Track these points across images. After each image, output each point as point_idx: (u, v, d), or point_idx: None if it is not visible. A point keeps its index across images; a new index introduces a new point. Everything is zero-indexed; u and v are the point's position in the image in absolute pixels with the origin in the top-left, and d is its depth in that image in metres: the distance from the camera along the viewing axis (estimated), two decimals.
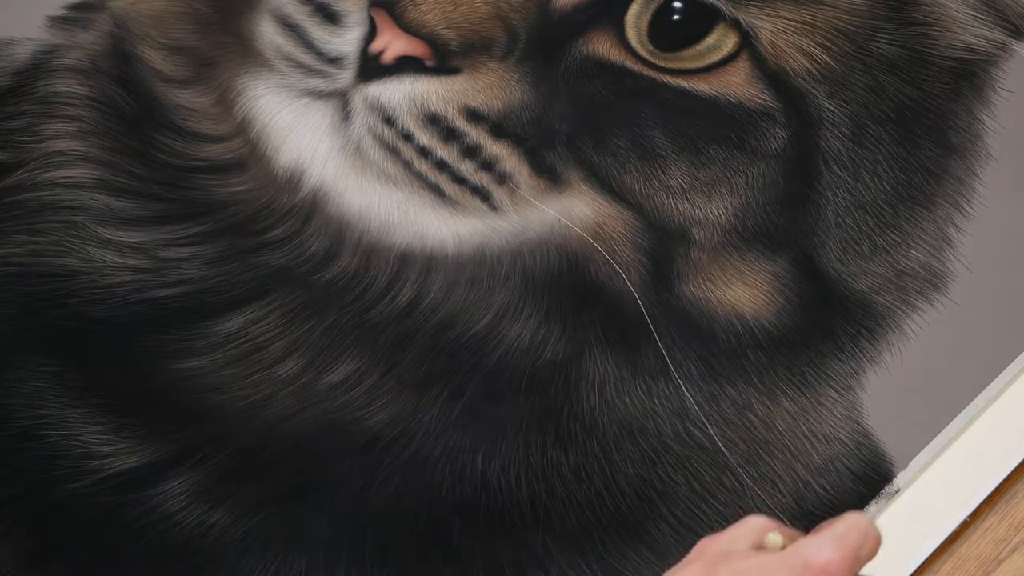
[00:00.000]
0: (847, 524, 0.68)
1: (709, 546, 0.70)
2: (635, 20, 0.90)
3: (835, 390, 0.91)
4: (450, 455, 0.87)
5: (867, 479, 0.89)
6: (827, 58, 0.91)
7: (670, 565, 0.86)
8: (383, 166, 0.90)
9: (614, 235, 0.91)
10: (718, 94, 0.91)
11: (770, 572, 0.66)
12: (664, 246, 0.91)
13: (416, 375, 0.88)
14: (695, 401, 0.89)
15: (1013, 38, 0.96)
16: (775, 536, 0.69)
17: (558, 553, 0.86)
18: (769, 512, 0.88)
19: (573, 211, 0.91)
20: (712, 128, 0.91)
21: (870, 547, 0.68)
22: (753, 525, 0.70)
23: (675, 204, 0.91)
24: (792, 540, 0.69)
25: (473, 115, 0.90)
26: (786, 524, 0.72)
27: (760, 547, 0.69)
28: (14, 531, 0.85)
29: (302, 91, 0.92)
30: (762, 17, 0.90)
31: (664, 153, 0.91)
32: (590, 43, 0.91)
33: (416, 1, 0.89)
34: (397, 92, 0.90)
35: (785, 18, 0.90)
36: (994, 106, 0.96)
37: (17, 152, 0.93)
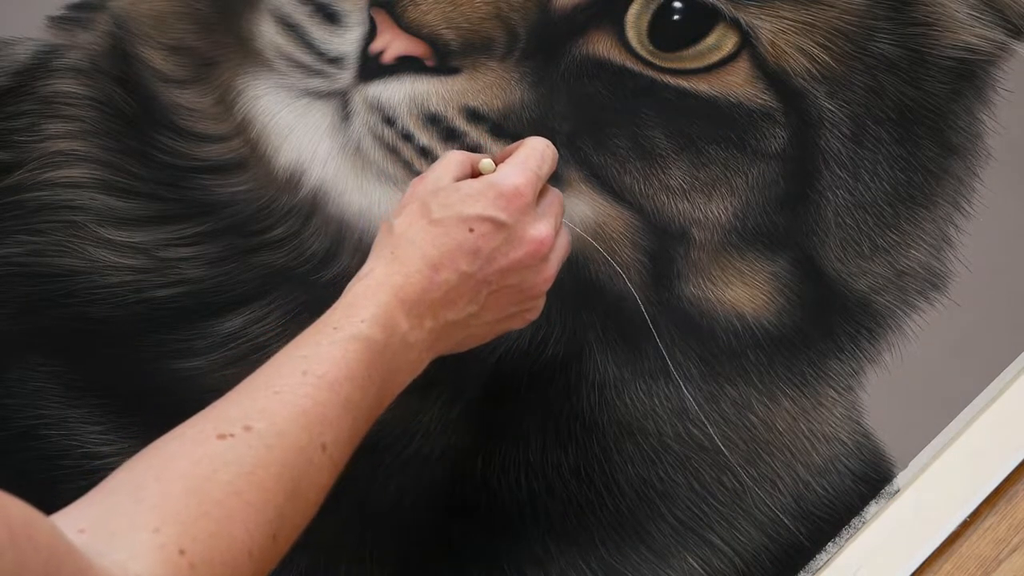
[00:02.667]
0: (526, 150, 0.81)
1: (418, 185, 0.80)
2: (635, 20, 0.90)
3: (835, 390, 0.91)
4: (450, 456, 0.87)
5: (867, 479, 0.89)
6: (827, 58, 0.91)
7: (670, 565, 0.86)
8: (383, 166, 0.90)
9: (614, 235, 0.91)
10: (718, 94, 0.91)
11: (472, 200, 0.77)
12: (664, 246, 0.91)
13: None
14: (695, 401, 0.89)
15: (1013, 38, 0.96)
16: (488, 162, 0.81)
17: (558, 553, 0.86)
18: (769, 512, 0.87)
19: (573, 211, 0.91)
20: (712, 128, 0.91)
21: (549, 164, 0.81)
22: (453, 159, 0.81)
23: (675, 204, 0.91)
24: (496, 162, 0.81)
25: (473, 115, 0.90)
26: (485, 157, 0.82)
27: (461, 179, 0.80)
28: None
29: (302, 91, 0.92)
30: (762, 17, 0.90)
31: (664, 153, 0.91)
32: (590, 43, 0.91)
33: (416, 1, 0.89)
34: (397, 92, 0.90)
35: (785, 18, 0.90)
36: (994, 106, 0.96)
37: (17, 152, 0.93)
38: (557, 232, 0.80)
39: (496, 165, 0.81)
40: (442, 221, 0.76)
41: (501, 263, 0.77)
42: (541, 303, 0.81)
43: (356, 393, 0.70)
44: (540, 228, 0.78)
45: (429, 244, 0.75)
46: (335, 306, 0.74)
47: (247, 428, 0.65)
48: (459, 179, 0.80)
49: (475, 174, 0.81)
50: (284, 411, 0.67)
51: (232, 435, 0.65)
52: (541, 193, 0.81)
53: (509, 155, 0.81)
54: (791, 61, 0.91)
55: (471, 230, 0.76)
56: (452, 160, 0.81)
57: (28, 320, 0.89)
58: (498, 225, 0.76)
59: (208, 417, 0.67)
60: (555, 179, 0.90)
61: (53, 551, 0.53)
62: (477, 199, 0.77)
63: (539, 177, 0.80)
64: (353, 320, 0.72)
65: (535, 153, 0.80)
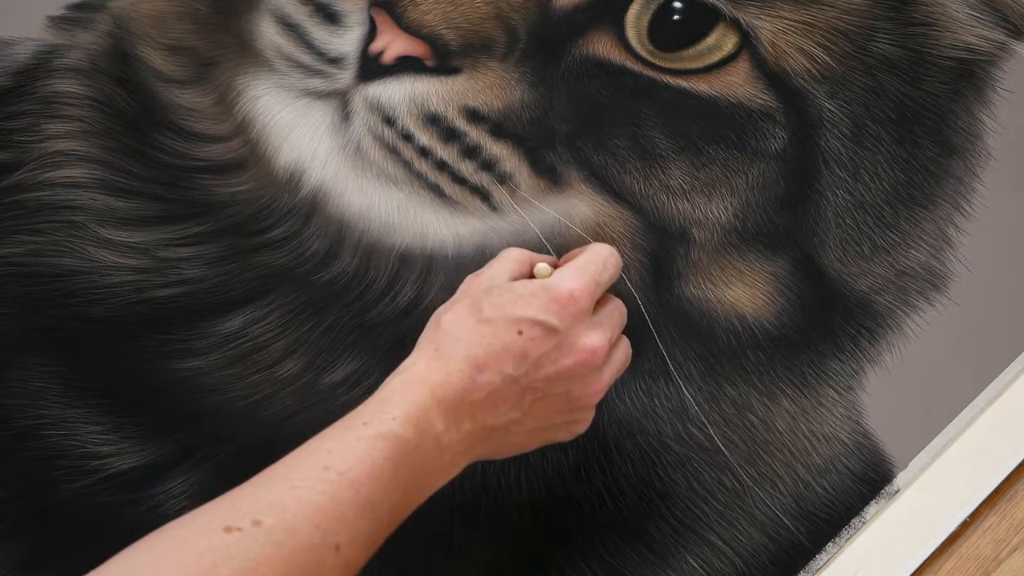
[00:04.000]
0: (587, 255, 0.79)
1: (473, 283, 0.79)
2: (635, 20, 0.90)
3: (835, 390, 0.91)
4: None
5: (867, 479, 0.89)
6: (827, 58, 0.91)
7: (670, 565, 0.86)
8: (383, 166, 0.90)
9: (614, 235, 0.91)
10: (718, 94, 0.91)
11: (524, 302, 0.75)
12: (664, 246, 0.91)
13: None
14: (695, 401, 0.89)
15: (1013, 38, 0.96)
16: (544, 266, 0.80)
17: (558, 553, 0.86)
18: (769, 512, 0.87)
19: (573, 211, 0.91)
20: (712, 128, 0.91)
21: (611, 272, 0.79)
22: (511, 257, 0.80)
23: (675, 204, 0.91)
24: (554, 268, 0.80)
25: (473, 115, 0.90)
26: (552, 255, 0.82)
27: (518, 279, 0.78)
28: (14, 531, 0.85)
29: (302, 91, 0.92)
30: (762, 17, 0.90)
31: (664, 153, 0.91)
32: (590, 43, 0.91)
33: (416, 1, 0.89)
34: (397, 92, 0.90)
35: (785, 18, 0.90)
36: (994, 106, 0.96)
37: (17, 152, 0.93)
38: (613, 344, 0.79)
39: (551, 270, 0.79)
40: (492, 320, 0.74)
41: (548, 370, 0.75)
42: (590, 416, 0.80)
43: (379, 494, 0.68)
44: (593, 337, 0.76)
45: (475, 343, 0.73)
46: (370, 399, 0.72)
47: (256, 522, 0.63)
48: (515, 278, 0.78)
49: (531, 276, 0.80)
50: (298, 507, 0.65)
51: (240, 528, 0.63)
52: (601, 302, 0.79)
53: (571, 259, 0.80)
54: (791, 61, 0.91)
55: (520, 332, 0.74)
56: (510, 258, 0.80)
57: (28, 320, 0.89)
58: (549, 330, 0.75)
59: (220, 507, 0.65)
60: (555, 179, 0.91)
61: None
62: (529, 301, 0.75)
63: (598, 284, 0.78)
64: (384, 416, 0.70)
65: (596, 259, 0.79)
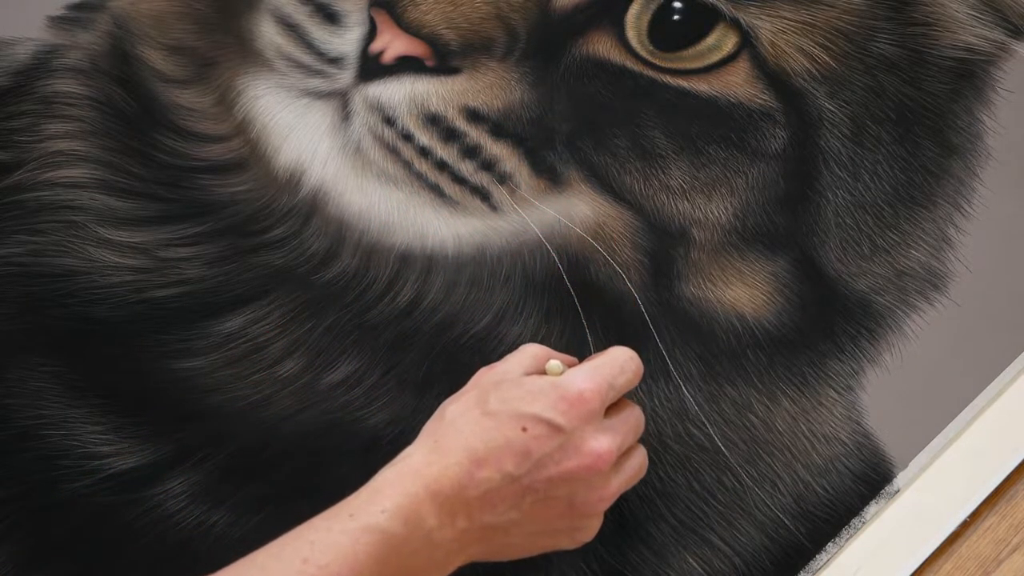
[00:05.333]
0: (605, 356, 0.77)
1: (484, 375, 0.76)
2: (635, 20, 0.90)
3: (835, 390, 0.91)
4: None
5: (867, 479, 0.89)
6: (827, 58, 0.91)
7: (670, 565, 0.86)
8: (383, 166, 0.90)
9: (614, 235, 0.91)
10: (718, 94, 0.91)
11: (531, 398, 0.72)
12: (664, 246, 0.91)
13: (416, 375, 0.88)
14: (695, 401, 0.89)
15: (1013, 38, 0.96)
16: (555, 364, 0.77)
17: (558, 554, 0.85)
18: (769, 512, 0.87)
19: (573, 211, 0.91)
20: (712, 128, 0.91)
21: (627, 377, 0.77)
22: (528, 353, 0.78)
23: (675, 204, 0.91)
24: (570, 366, 0.77)
25: (473, 115, 0.90)
26: (574, 357, 0.79)
27: (531, 374, 0.76)
28: (14, 531, 0.85)
29: (302, 91, 0.92)
30: (762, 17, 0.90)
31: (664, 153, 0.91)
32: (590, 43, 0.91)
33: (416, 1, 0.89)
34: (397, 92, 0.90)
35: (785, 18, 0.90)
36: (994, 106, 0.96)
37: (17, 152, 0.93)
38: (623, 450, 0.76)
39: (563, 368, 0.77)
40: (496, 414, 0.72)
41: (551, 471, 0.72)
42: (596, 524, 0.77)
43: None
44: (601, 441, 0.73)
45: (476, 436, 0.71)
46: (361, 489, 0.71)
47: None
48: (530, 374, 0.76)
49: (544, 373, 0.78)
50: None
51: None
52: (617, 407, 0.77)
53: (590, 360, 0.79)
54: (791, 61, 0.91)
55: (524, 429, 0.72)
56: (527, 353, 0.78)
57: (28, 320, 0.89)
58: (554, 429, 0.72)
59: None
60: (555, 179, 0.91)
61: None
62: (537, 397, 0.73)
63: (611, 387, 0.76)
64: (373, 508, 0.68)
65: (613, 362, 0.77)
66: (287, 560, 0.65)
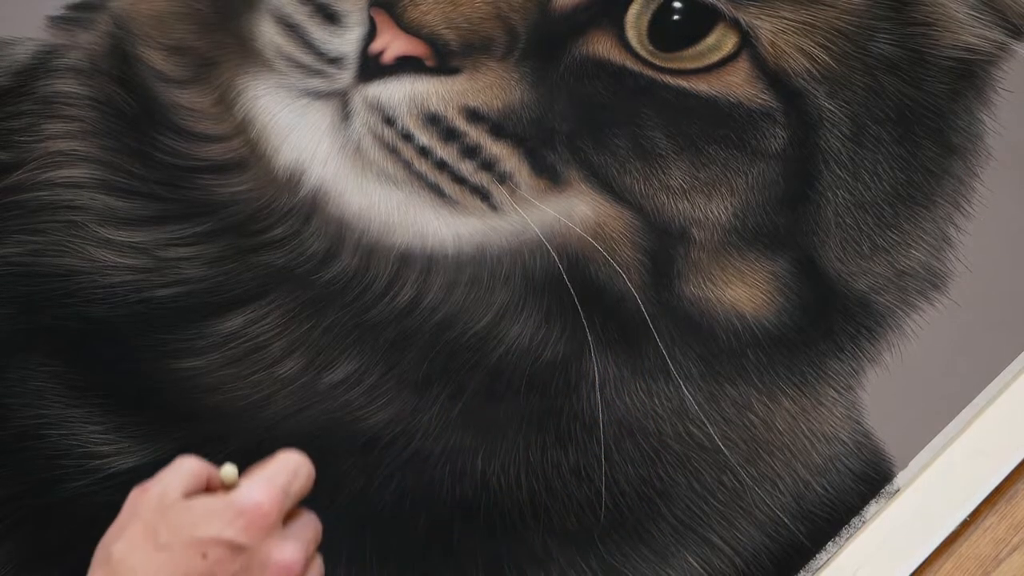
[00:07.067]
0: (276, 465, 0.72)
1: (141, 500, 0.71)
2: (635, 20, 0.90)
3: (835, 390, 0.91)
4: (450, 455, 0.87)
5: (867, 479, 0.89)
6: (827, 58, 0.91)
7: (670, 565, 0.86)
8: (383, 166, 0.90)
9: (614, 235, 0.91)
10: (718, 94, 0.91)
11: (204, 522, 0.68)
12: (664, 246, 0.91)
13: (416, 375, 0.88)
14: (695, 401, 0.89)
15: (1013, 38, 0.96)
16: (229, 469, 0.72)
17: (558, 553, 0.86)
18: (769, 512, 0.88)
19: (573, 211, 0.91)
20: (712, 128, 0.91)
21: (301, 482, 0.72)
22: (183, 469, 0.72)
23: (675, 204, 0.91)
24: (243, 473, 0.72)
25: (473, 115, 0.90)
26: (218, 467, 0.74)
27: (192, 492, 0.71)
28: (14, 531, 0.85)
29: (302, 91, 0.92)
30: (762, 17, 0.90)
31: (664, 153, 0.91)
32: (590, 43, 0.91)
33: (416, 1, 0.89)
34: (397, 92, 0.90)
35: (785, 18, 0.90)
36: (994, 106, 0.96)
37: (17, 152, 0.93)
38: (308, 560, 0.73)
39: (236, 475, 0.73)
40: (169, 546, 0.68)
41: None
42: None
43: None
44: (286, 551, 0.70)
45: (153, 574, 0.67)
46: None
47: None
48: (190, 492, 0.72)
49: (212, 488, 0.73)
50: None
51: None
52: (293, 515, 0.73)
53: (257, 469, 0.74)
54: (791, 61, 0.91)
55: (204, 556, 0.68)
56: (183, 470, 0.72)
57: (28, 320, 0.89)
58: (235, 549, 0.68)
59: None
60: (555, 179, 0.91)
61: None
62: (211, 519, 0.69)
63: (286, 495, 0.72)
64: None
65: (285, 468, 0.72)
66: None
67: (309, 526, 0.73)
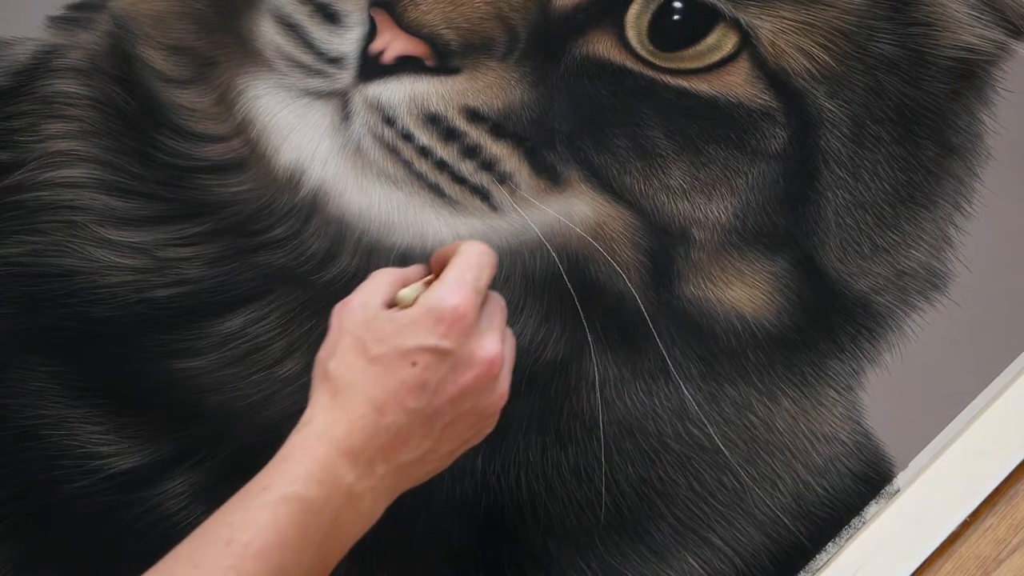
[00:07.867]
0: (462, 262, 0.75)
1: (345, 315, 0.75)
2: (635, 20, 0.90)
3: (835, 390, 0.91)
4: None
5: (867, 479, 0.89)
6: (827, 58, 0.91)
7: (670, 565, 0.86)
8: (383, 166, 0.90)
9: (614, 235, 0.91)
10: (718, 94, 0.91)
11: (409, 331, 0.72)
12: (664, 246, 0.91)
13: None
14: (695, 401, 0.89)
15: (1013, 38, 0.96)
16: (405, 292, 0.75)
17: (558, 553, 0.86)
18: (769, 512, 0.88)
19: (573, 211, 0.91)
20: (712, 128, 0.91)
21: (488, 272, 0.76)
22: (379, 279, 0.76)
23: (675, 204, 0.91)
24: (424, 285, 0.76)
25: (473, 115, 0.90)
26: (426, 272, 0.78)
27: (392, 304, 0.74)
28: (14, 531, 0.85)
29: (302, 91, 0.92)
30: (762, 17, 0.90)
31: (664, 153, 0.91)
32: (590, 43, 0.91)
33: (416, 1, 0.89)
34: (397, 92, 0.90)
35: (785, 18, 0.90)
36: (994, 106, 0.96)
37: (17, 152, 0.93)
38: (503, 343, 0.76)
39: (415, 293, 0.75)
40: (381, 358, 0.72)
41: (451, 391, 0.73)
42: (496, 418, 0.78)
43: (290, 559, 0.66)
44: (488, 346, 0.74)
45: (371, 385, 0.71)
46: (271, 461, 0.71)
47: None
48: (388, 302, 0.75)
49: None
50: None
51: None
52: (481, 304, 0.76)
53: (443, 258, 0.77)
54: (791, 61, 0.91)
55: (414, 364, 0.72)
56: (380, 280, 0.77)
57: (28, 320, 0.89)
58: (442, 354, 0.72)
59: None
60: (555, 179, 0.91)
61: None
62: (415, 329, 0.72)
63: (477, 292, 0.75)
64: (285, 479, 0.68)
65: (471, 265, 0.76)
66: (211, 544, 0.66)
67: (496, 311, 0.76)
